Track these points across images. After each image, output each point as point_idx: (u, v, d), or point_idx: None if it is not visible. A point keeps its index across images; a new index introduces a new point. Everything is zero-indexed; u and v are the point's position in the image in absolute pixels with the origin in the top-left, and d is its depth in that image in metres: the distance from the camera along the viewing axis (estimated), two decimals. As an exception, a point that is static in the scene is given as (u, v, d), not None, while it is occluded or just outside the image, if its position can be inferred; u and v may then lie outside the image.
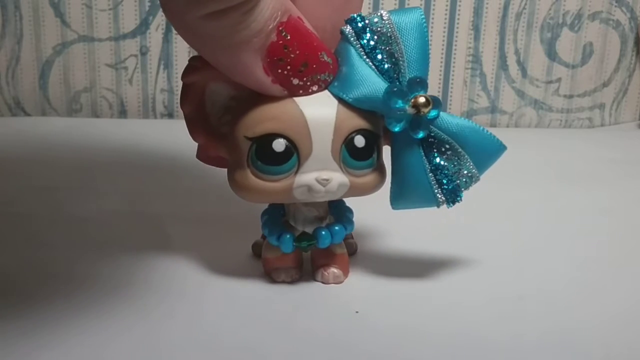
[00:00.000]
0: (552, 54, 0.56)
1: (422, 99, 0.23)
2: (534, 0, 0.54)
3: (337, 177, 0.23)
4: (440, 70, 0.55)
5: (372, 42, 0.23)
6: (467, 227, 0.32)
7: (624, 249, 0.31)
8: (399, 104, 0.23)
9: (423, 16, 0.24)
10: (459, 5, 0.54)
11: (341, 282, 0.26)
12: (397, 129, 0.23)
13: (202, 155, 0.26)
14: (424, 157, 0.24)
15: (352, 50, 0.23)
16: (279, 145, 0.23)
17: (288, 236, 0.25)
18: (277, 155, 0.23)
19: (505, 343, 0.22)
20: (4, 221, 0.31)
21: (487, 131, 0.24)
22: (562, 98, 0.57)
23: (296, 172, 0.23)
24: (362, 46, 0.23)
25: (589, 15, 0.55)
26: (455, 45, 0.55)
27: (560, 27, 0.55)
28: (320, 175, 0.23)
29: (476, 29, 0.54)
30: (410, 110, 0.23)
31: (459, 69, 0.55)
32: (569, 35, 0.55)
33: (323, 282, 0.26)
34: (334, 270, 0.26)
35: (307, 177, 0.23)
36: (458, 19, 0.54)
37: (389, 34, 0.23)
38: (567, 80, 0.56)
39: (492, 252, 0.30)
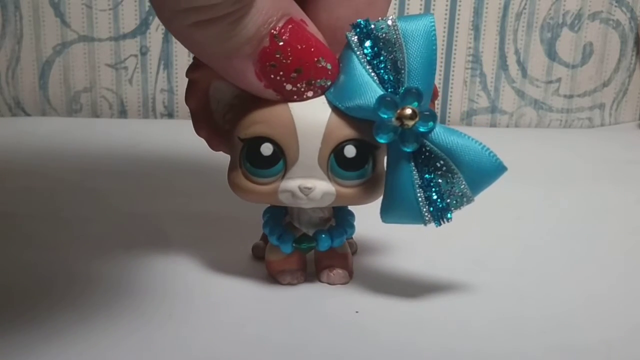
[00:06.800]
0: (552, 54, 0.56)
1: (407, 111, 0.22)
2: (534, 0, 0.54)
3: (322, 186, 0.23)
4: (440, 70, 0.55)
5: (375, 50, 0.22)
6: (466, 227, 0.32)
7: (624, 249, 0.31)
8: (387, 114, 0.22)
9: (433, 23, 0.22)
10: (459, 5, 0.54)
11: (347, 283, 0.26)
12: (383, 140, 0.22)
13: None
14: (415, 172, 0.23)
15: (354, 57, 0.23)
16: (267, 149, 0.23)
17: (288, 237, 0.25)
18: (265, 159, 0.23)
19: (505, 342, 0.22)
20: (4, 221, 0.31)
21: (487, 149, 0.22)
22: (562, 98, 0.57)
23: (283, 177, 0.23)
24: (364, 53, 0.23)
25: (589, 15, 0.55)
26: (455, 45, 0.55)
27: (560, 27, 0.55)
28: (304, 183, 0.23)
29: (476, 29, 0.54)
30: (394, 122, 0.22)
31: (459, 69, 0.55)
32: (569, 35, 0.55)
33: (329, 283, 0.26)
34: (339, 271, 0.26)
35: (292, 183, 0.23)
36: (458, 19, 0.54)
37: (393, 41, 0.22)
38: (567, 80, 0.56)
39: (491, 251, 0.30)
